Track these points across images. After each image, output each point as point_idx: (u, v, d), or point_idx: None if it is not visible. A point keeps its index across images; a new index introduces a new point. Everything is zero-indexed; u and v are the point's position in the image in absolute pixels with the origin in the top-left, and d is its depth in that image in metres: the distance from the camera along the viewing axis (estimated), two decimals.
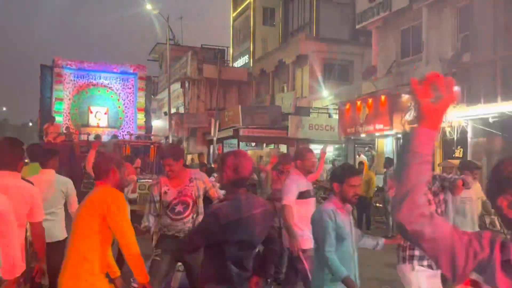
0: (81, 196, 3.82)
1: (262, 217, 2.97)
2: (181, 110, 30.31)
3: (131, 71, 18.03)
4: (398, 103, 14.64)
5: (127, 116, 18.02)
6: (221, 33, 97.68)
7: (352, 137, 20.66)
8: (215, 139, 23.46)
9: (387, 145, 16.91)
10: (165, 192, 4.40)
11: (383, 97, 15.31)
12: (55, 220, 4.60)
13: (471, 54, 12.18)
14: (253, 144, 28.24)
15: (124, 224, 3.14)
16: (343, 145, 24.77)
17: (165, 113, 30.05)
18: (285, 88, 26.28)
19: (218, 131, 24.90)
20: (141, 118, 18.12)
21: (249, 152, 25.89)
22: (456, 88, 1.46)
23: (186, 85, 29.43)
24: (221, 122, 25.58)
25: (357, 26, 18.06)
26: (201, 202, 4.55)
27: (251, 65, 32.46)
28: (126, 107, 17.96)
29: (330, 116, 24.07)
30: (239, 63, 34.75)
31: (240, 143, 25.64)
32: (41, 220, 3.43)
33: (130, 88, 18.10)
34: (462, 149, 12.82)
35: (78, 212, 3.26)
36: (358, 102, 16.53)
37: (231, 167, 2.91)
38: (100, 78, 17.52)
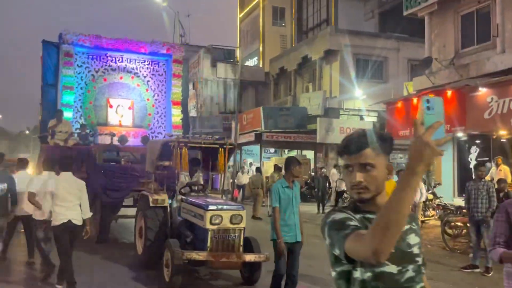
0: None
1: None
2: (193, 113, 27.82)
3: (164, 51, 13.35)
4: (471, 99, 12.22)
5: (157, 112, 13.47)
6: (227, 34, 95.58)
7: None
8: (236, 145, 20.99)
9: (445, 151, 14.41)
10: None
11: (449, 92, 12.89)
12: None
13: None
14: (272, 150, 25.78)
15: None
16: None
17: None
18: (310, 88, 23.81)
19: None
20: (177, 114, 13.38)
21: (272, 159, 23.42)
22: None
23: (199, 86, 26.96)
24: (240, 126, 23.13)
25: (405, 13, 15.64)
26: None
27: (261, 66, 30.40)
28: (157, 100, 13.43)
29: (361, 118, 21.67)
30: (248, 64, 32.67)
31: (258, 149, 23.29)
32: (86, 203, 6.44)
33: (162, 75, 13.46)
34: None
35: None
36: (415, 100, 14.09)
37: None
38: (122, 61, 13.10)
